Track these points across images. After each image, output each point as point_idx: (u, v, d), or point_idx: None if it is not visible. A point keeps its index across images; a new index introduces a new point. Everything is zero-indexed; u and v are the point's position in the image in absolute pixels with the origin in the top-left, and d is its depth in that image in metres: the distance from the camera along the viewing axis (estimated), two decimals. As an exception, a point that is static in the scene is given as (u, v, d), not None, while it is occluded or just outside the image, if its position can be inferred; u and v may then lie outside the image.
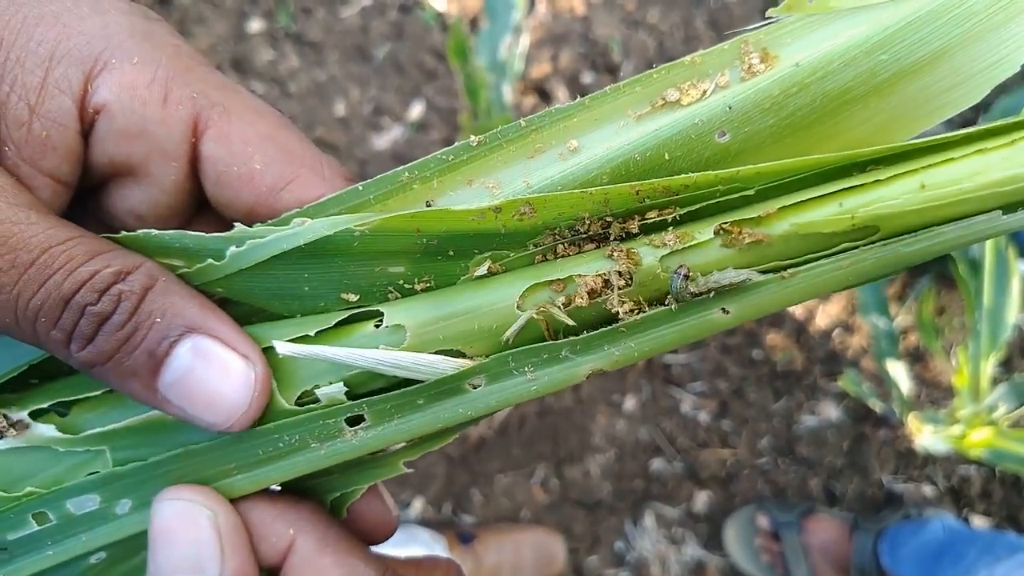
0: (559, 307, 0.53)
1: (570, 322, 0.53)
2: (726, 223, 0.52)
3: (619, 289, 0.53)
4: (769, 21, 0.53)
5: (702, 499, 2.37)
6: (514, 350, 0.55)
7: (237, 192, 0.55)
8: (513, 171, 0.55)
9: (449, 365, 0.53)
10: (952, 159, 0.49)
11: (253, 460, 0.57)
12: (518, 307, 0.53)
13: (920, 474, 2.32)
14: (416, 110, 2.63)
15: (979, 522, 2.27)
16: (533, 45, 2.64)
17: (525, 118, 0.54)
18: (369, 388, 0.56)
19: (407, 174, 0.54)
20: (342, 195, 0.54)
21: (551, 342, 0.54)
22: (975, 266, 1.90)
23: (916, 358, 2.41)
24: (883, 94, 0.51)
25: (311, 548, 0.57)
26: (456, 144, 0.54)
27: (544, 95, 2.61)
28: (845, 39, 0.51)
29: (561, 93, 2.59)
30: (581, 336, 0.54)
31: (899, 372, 2.09)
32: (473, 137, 0.54)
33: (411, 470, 0.60)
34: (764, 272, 0.52)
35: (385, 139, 2.61)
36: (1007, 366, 2.33)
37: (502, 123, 0.58)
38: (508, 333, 0.53)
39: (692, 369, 2.47)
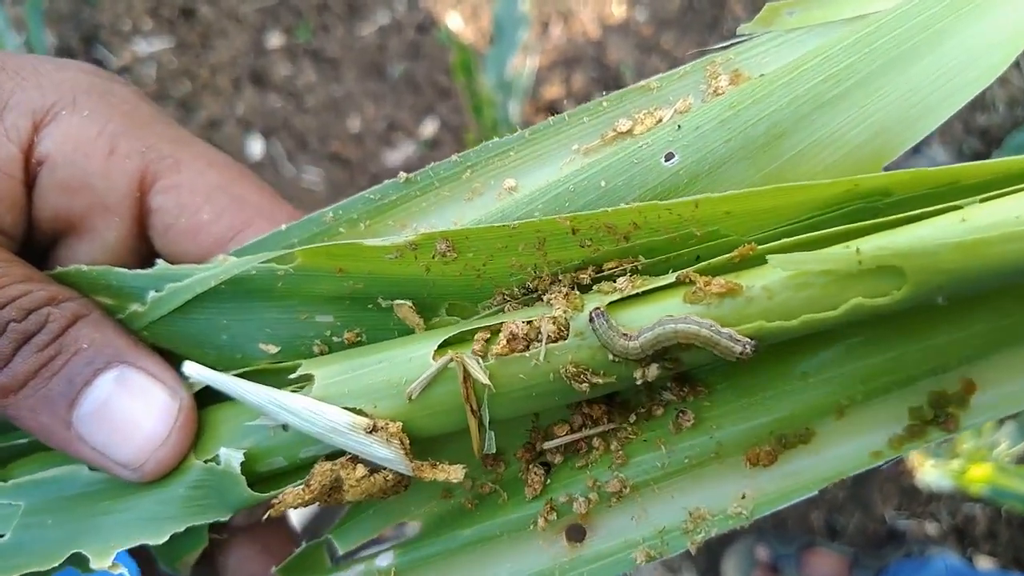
0: (477, 360, 0.45)
1: (485, 380, 0.44)
2: (692, 271, 0.43)
3: (551, 339, 0.44)
4: (741, 39, 0.47)
5: (701, 527, 2.34)
6: None
7: (184, 246, 0.54)
8: (450, 215, 0.51)
9: (343, 419, 0.46)
10: (996, 195, 0.38)
11: None
12: (433, 359, 0.46)
13: (924, 511, 2.28)
14: (429, 128, 2.66)
15: (984, 563, 2.21)
16: (546, 67, 2.66)
17: (460, 153, 0.50)
18: (269, 466, 0.51)
19: (332, 215, 0.52)
20: (265, 239, 0.52)
21: None
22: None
23: (923, 392, 2.37)
24: (871, 87, 0.42)
25: None
26: (384, 183, 0.51)
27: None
28: (822, 41, 0.44)
29: (573, 115, 2.61)
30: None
31: (903, 406, 2.05)
32: (402, 174, 0.50)
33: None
34: (754, 337, 0.41)
35: (398, 155, 2.64)
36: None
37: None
38: (411, 387, 0.46)
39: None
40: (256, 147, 2.60)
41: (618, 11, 2.71)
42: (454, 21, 2.73)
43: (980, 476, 1.78)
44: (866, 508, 2.30)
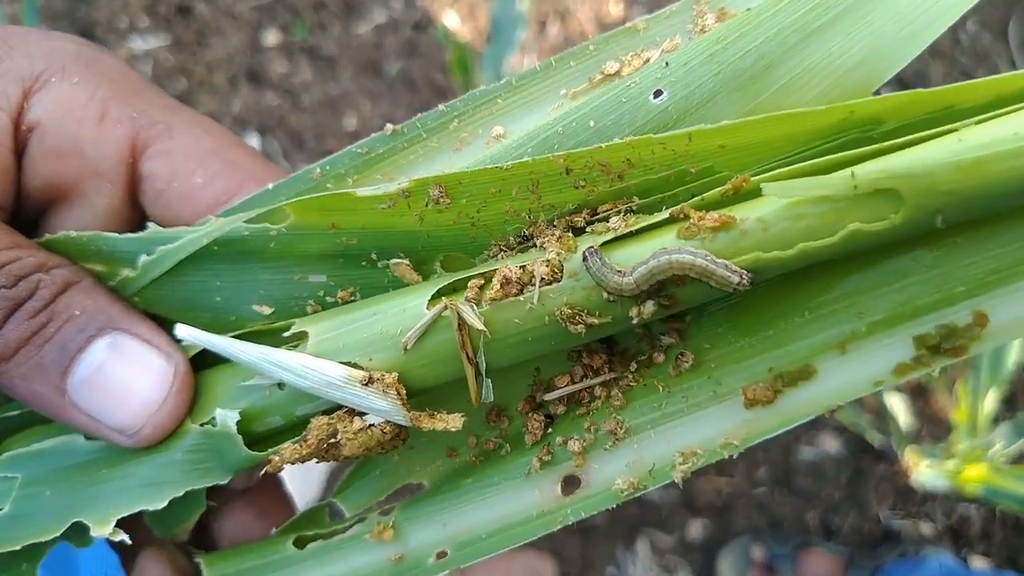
0: (472, 306, 0.45)
1: (480, 326, 0.44)
2: (686, 206, 0.42)
3: (545, 282, 0.43)
4: None
5: (696, 527, 2.33)
6: None
7: (177, 211, 0.53)
8: (438, 166, 0.50)
9: (339, 372, 0.46)
10: (993, 115, 0.37)
11: None
12: (427, 308, 0.46)
13: (919, 511, 2.28)
14: (426, 126, 2.66)
15: (978, 563, 2.22)
16: (544, 66, 2.66)
17: (446, 103, 0.49)
18: (266, 425, 0.51)
19: (319, 171, 0.51)
20: (253, 198, 0.52)
21: None
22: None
23: (919, 392, 2.37)
24: (858, 12, 0.42)
25: None
26: (372, 136, 0.50)
27: (553, 116, 2.63)
28: None
29: (570, 114, 2.61)
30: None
31: (898, 406, 2.06)
32: (389, 125, 0.50)
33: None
34: (750, 269, 0.40)
35: (394, 154, 2.64)
36: (1010, 404, 2.30)
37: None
38: (406, 338, 0.45)
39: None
40: (252, 144, 2.60)
41: (615, 10, 2.71)
42: (451, 19, 2.73)
43: (975, 476, 1.78)
44: (861, 508, 2.30)
